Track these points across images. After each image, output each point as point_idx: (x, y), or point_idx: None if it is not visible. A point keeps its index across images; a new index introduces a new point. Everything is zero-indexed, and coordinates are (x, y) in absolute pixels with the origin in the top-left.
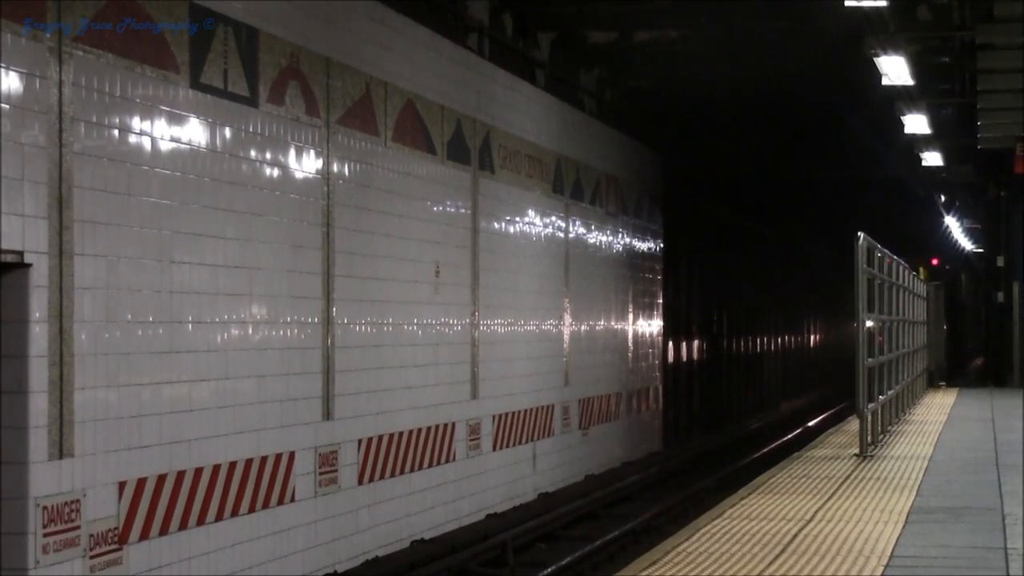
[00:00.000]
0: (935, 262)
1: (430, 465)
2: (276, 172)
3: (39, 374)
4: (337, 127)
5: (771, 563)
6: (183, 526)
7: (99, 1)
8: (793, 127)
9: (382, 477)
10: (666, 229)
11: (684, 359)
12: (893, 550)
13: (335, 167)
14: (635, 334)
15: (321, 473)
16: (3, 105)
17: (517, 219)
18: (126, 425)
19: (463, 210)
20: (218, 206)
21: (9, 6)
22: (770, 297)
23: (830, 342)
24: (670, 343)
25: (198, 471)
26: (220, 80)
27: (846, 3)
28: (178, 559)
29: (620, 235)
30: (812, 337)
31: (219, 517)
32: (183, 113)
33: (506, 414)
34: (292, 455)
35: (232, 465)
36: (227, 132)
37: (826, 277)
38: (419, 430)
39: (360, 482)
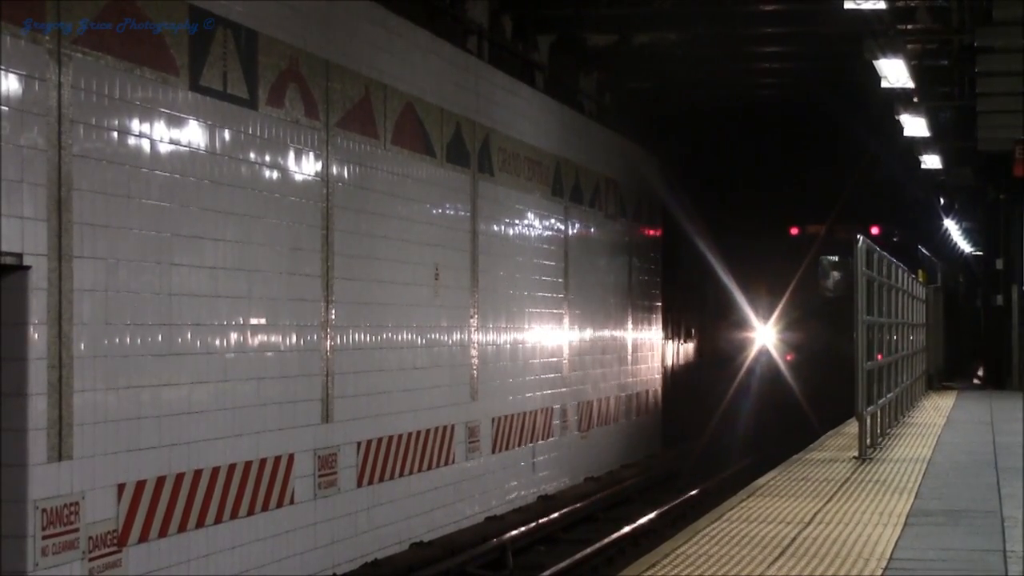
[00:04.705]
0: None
1: (429, 467)
2: (275, 174)
3: (38, 377)
4: (336, 130)
5: (770, 566)
6: (182, 528)
7: (99, 1)
8: (792, 129)
9: (381, 479)
10: (665, 232)
11: (683, 362)
12: (892, 552)
13: (334, 170)
14: (634, 336)
15: (320, 476)
16: (2, 107)
17: (517, 222)
18: (125, 427)
19: (462, 213)
20: (217, 208)
21: (9, 6)
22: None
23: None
24: (669, 346)
25: (197, 473)
26: (219, 82)
27: (845, 6)
28: (177, 561)
29: (620, 238)
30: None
31: (218, 519)
32: (182, 115)
33: (505, 416)
34: (291, 457)
35: (231, 467)
36: (226, 134)
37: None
38: (418, 432)
39: (359, 484)
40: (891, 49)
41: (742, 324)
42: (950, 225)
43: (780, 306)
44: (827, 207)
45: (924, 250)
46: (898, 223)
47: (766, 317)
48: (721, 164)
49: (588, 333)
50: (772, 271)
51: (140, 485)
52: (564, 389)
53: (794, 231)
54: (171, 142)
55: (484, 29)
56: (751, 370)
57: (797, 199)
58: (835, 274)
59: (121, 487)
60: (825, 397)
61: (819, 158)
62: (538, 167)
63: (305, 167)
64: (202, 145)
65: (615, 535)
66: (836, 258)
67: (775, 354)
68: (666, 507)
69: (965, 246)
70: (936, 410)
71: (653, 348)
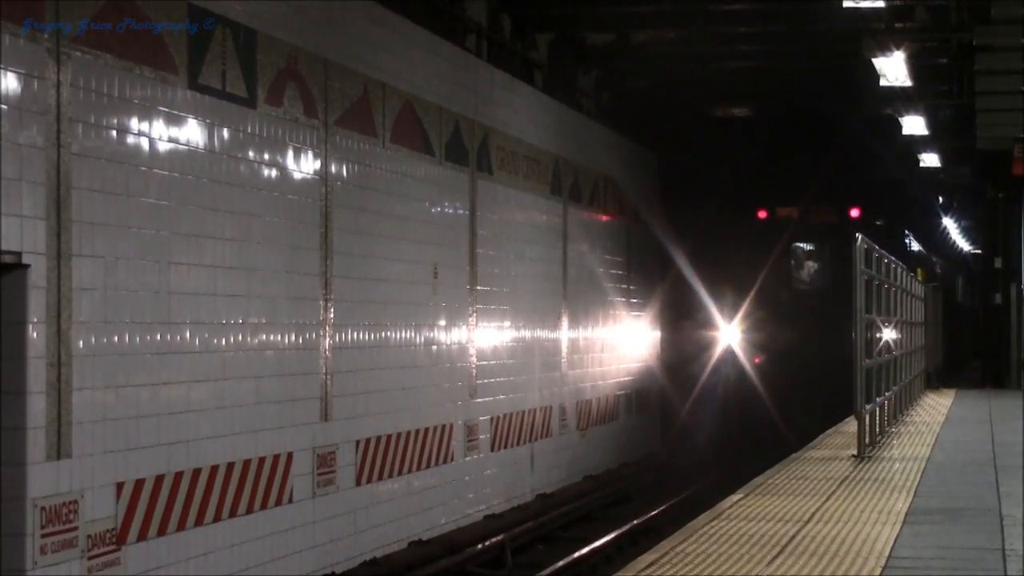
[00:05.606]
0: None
1: (428, 466)
2: (274, 173)
3: (37, 375)
4: (335, 128)
5: (769, 564)
6: (181, 527)
7: (98, 1)
8: (791, 128)
9: (380, 478)
10: (664, 230)
11: (681, 360)
12: (891, 551)
13: (333, 168)
14: (633, 335)
15: (319, 474)
16: (2, 106)
17: (515, 220)
18: (124, 426)
19: (461, 211)
20: (216, 207)
21: (9, 6)
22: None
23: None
24: (668, 344)
25: (196, 472)
26: (218, 81)
27: (844, 4)
28: (176, 560)
29: (618, 236)
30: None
31: (217, 518)
32: (181, 114)
33: (504, 415)
34: (290, 456)
35: (230, 466)
36: (225, 133)
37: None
38: (417, 431)
39: (358, 483)
40: (890, 47)
41: (704, 322)
42: (949, 223)
43: (747, 302)
44: (801, 187)
45: (913, 237)
46: (882, 205)
47: (731, 315)
48: (703, 156)
49: (587, 331)
50: (738, 260)
51: (139, 484)
52: (563, 388)
53: (762, 214)
54: (170, 141)
55: (483, 27)
56: (714, 374)
57: (767, 178)
58: (810, 264)
59: (120, 486)
60: (800, 405)
61: (804, 142)
62: (537, 165)
63: (304, 165)
64: (201, 144)
65: (613, 534)
66: (811, 246)
67: (741, 356)
68: (664, 506)
69: (964, 244)
70: (935, 409)
71: (652, 346)
